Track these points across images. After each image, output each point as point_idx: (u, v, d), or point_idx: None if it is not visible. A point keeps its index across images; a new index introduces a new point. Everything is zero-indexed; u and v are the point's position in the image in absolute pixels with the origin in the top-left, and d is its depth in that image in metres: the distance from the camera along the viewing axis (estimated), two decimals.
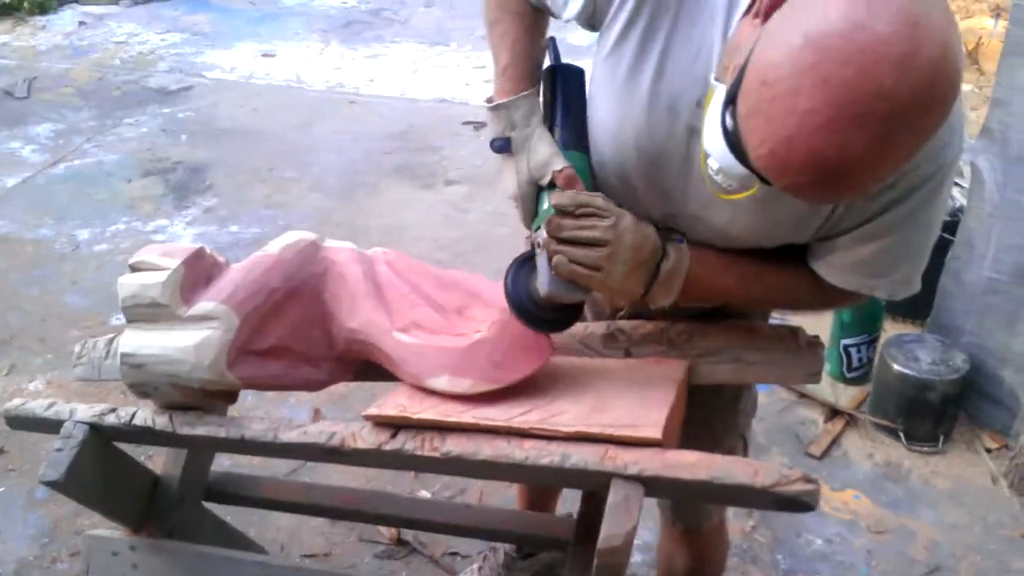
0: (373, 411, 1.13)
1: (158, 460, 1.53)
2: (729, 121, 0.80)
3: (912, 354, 2.39)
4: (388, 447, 1.11)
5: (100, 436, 1.27)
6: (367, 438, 1.12)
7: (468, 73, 5.35)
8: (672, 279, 1.07)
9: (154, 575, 1.38)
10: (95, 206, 3.59)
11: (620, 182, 1.10)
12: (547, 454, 1.04)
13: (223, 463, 1.93)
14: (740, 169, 0.82)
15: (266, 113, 4.70)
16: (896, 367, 2.37)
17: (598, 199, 1.03)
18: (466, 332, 1.16)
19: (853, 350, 2.59)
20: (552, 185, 1.06)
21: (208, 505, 1.58)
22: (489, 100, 1.14)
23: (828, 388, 2.62)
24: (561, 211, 1.02)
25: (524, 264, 1.11)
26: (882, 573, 2.02)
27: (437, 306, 1.21)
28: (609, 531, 0.98)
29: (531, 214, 1.10)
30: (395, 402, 1.14)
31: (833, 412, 2.51)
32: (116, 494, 1.37)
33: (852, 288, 1.07)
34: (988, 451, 2.38)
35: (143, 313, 1.19)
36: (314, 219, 3.47)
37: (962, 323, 2.44)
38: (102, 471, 1.30)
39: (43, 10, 6.33)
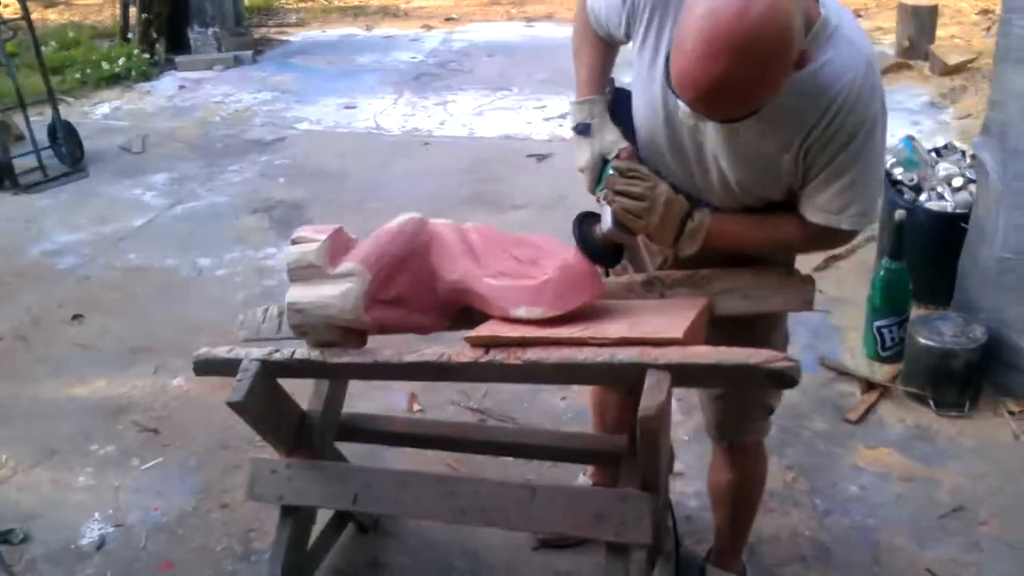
0: (471, 335, 1.53)
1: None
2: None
3: (936, 329, 2.68)
4: (483, 360, 1.50)
5: (268, 371, 1.70)
6: (468, 355, 1.52)
7: (529, 113, 5.81)
8: (696, 233, 1.48)
9: (308, 485, 1.80)
10: (211, 239, 4.13)
11: (652, 151, 1.52)
12: (600, 355, 1.42)
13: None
14: (684, 104, 1.25)
15: (351, 156, 5.23)
16: (921, 340, 2.66)
17: (643, 168, 1.47)
18: (538, 276, 1.56)
19: (885, 331, 2.88)
20: (616, 159, 1.49)
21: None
22: (574, 99, 1.59)
23: (866, 367, 2.92)
24: (618, 172, 1.45)
25: (585, 218, 1.56)
26: (909, 512, 2.31)
27: (516, 259, 1.61)
28: (646, 403, 1.35)
29: (596, 180, 1.52)
30: (488, 328, 1.54)
31: (869, 385, 2.80)
32: (276, 421, 1.80)
33: (823, 223, 1.43)
34: (1011, 413, 2.64)
35: (302, 273, 1.62)
36: None
37: (980, 300, 2.72)
38: (267, 400, 1.73)
39: (147, 77, 7.07)
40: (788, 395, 2.78)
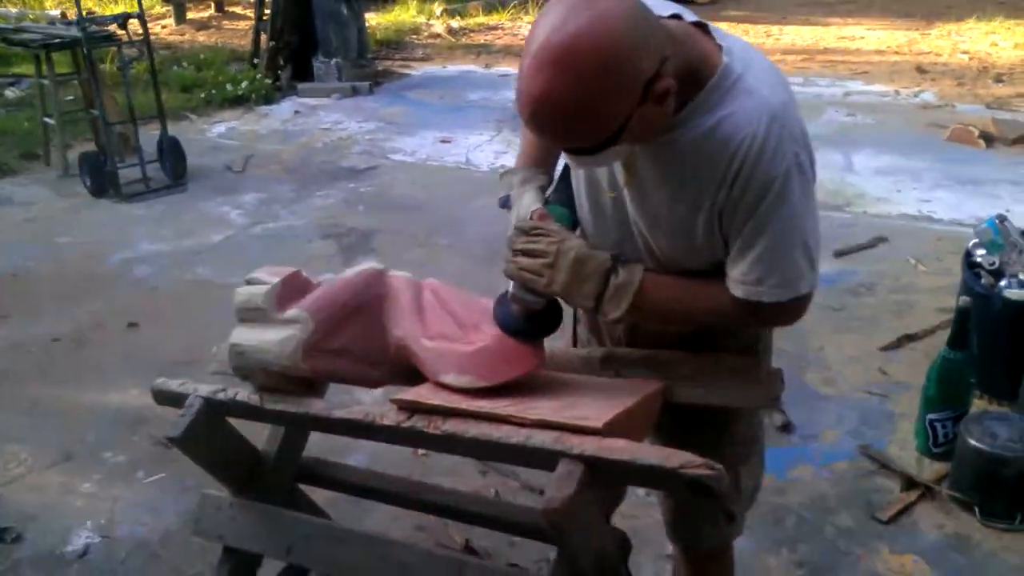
0: (396, 397, 1.46)
1: None
2: None
3: (990, 430, 2.40)
4: (405, 425, 1.43)
5: (213, 409, 1.68)
6: (391, 417, 1.45)
7: None
8: (621, 293, 1.33)
9: (248, 528, 1.77)
10: (278, 261, 4.15)
11: (585, 223, 1.41)
12: (515, 435, 1.32)
13: None
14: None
15: (434, 189, 5.29)
16: (971, 442, 2.38)
17: (551, 225, 1.37)
18: (475, 342, 1.47)
19: (939, 425, 2.60)
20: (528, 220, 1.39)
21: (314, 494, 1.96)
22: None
23: (914, 462, 2.65)
24: (521, 231, 1.36)
25: (507, 294, 1.44)
26: None
27: (460, 322, 1.53)
28: (550, 495, 1.24)
29: None
30: (416, 392, 1.47)
31: (910, 483, 2.53)
32: (224, 461, 1.77)
33: (743, 296, 1.28)
34: None
35: (249, 315, 1.60)
36: (454, 279, 3.88)
37: None
38: (213, 438, 1.71)
39: (268, 101, 7.44)
40: (816, 483, 2.59)
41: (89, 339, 3.54)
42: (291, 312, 1.57)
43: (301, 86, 7.84)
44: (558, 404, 1.39)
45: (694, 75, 1.19)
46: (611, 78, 1.08)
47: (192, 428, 1.64)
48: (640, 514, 2.31)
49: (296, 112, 7.21)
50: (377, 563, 1.62)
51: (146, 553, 2.36)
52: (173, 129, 5.61)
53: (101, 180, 5.15)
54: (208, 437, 1.69)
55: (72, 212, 4.98)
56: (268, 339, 1.56)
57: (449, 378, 1.45)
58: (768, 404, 1.44)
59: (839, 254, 4.11)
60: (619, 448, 1.25)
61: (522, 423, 1.33)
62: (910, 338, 3.36)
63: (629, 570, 1.56)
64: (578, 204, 1.46)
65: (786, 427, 2.88)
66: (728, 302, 1.32)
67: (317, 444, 1.96)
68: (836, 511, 2.46)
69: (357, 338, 1.60)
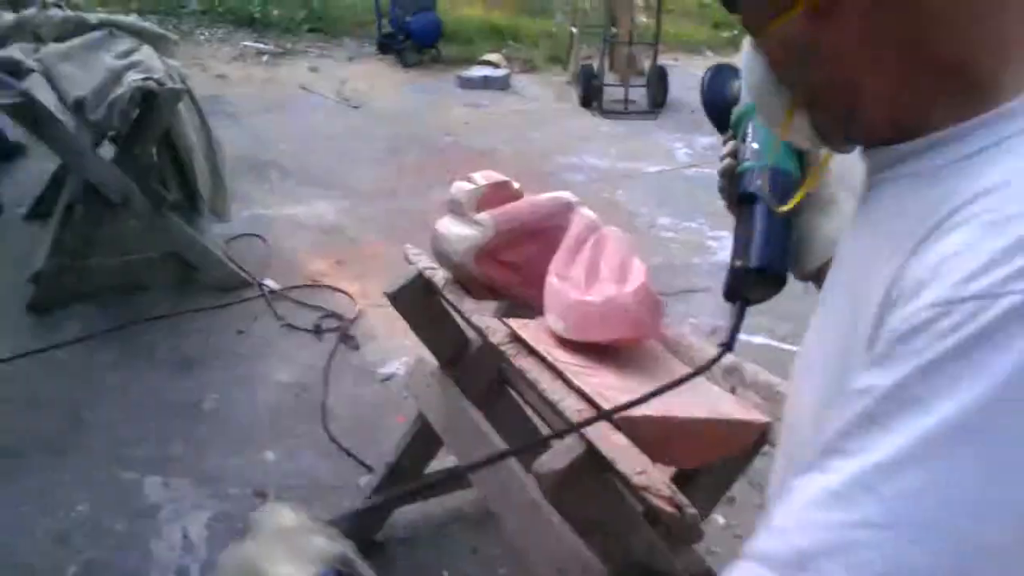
0: (509, 319, 1.49)
1: None
2: None
3: None
4: (502, 346, 1.46)
5: (424, 284, 1.88)
6: (498, 336, 1.49)
7: None
8: None
9: (433, 400, 1.97)
10: (688, 205, 4.27)
11: None
12: (557, 393, 1.27)
13: None
14: None
15: None
16: None
17: None
18: (585, 293, 1.42)
19: None
20: None
21: None
22: None
23: None
24: None
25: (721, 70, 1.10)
26: None
27: (593, 272, 1.48)
28: (542, 460, 1.19)
29: None
30: (523, 322, 1.48)
31: None
32: (431, 332, 1.98)
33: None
34: None
35: (453, 207, 1.75)
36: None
37: None
38: (419, 306, 1.92)
39: None
40: None
41: None
42: (481, 216, 1.67)
43: None
44: (623, 383, 1.29)
45: (966, 80, 0.59)
46: None
47: (403, 291, 1.87)
48: None
49: None
50: (497, 487, 1.69)
51: None
52: (686, 61, 5.85)
53: (589, 93, 5.66)
54: (418, 304, 1.90)
55: (555, 114, 5.60)
56: (455, 233, 1.69)
57: (550, 319, 1.43)
58: (742, 451, 1.13)
59: None
60: (612, 443, 1.13)
61: (570, 384, 1.28)
62: None
63: None
64: None
65: None
66: None
67: None
68: None
69: (531, 259, 1.65)
